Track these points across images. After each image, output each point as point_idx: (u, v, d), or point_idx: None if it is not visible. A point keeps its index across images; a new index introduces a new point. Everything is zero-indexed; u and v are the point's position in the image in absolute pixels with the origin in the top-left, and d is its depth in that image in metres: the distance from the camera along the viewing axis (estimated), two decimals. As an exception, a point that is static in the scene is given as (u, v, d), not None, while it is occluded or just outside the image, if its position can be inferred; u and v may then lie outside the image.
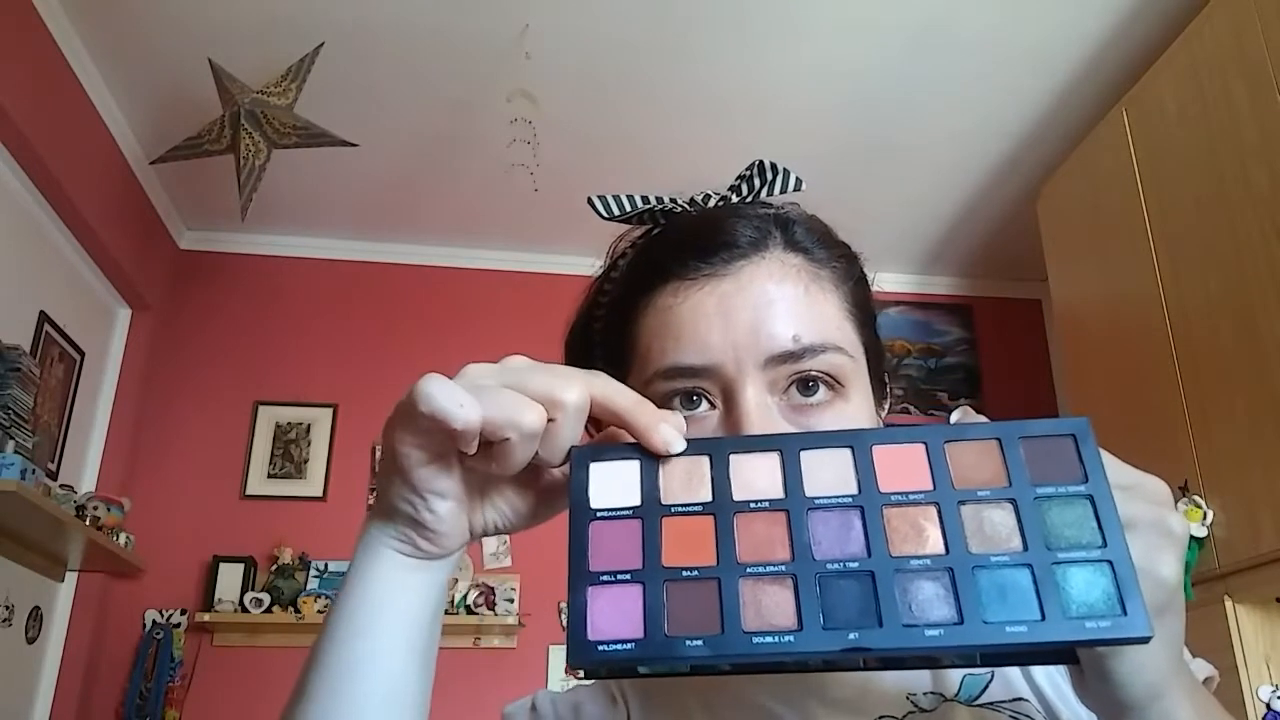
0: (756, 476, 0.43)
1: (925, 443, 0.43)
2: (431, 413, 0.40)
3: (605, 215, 0.61)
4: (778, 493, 0.43)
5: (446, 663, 2.80)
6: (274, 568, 2.94)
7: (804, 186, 0.60)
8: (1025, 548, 0.40)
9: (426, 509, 0.44)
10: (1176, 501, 2.06)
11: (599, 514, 0.43)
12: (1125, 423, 2.36)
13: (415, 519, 0.45)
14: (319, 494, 3.09)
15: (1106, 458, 0.43)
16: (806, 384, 0.54)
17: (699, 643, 0.39)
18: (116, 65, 2.57)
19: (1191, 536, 2.01)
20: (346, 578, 0.46)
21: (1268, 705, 1.86)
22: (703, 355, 0.54)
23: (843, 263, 0.60)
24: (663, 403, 0.54)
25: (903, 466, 0.43)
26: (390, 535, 0.45)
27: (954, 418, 0.48)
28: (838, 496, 0.42)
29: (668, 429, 0.44)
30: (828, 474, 0.43)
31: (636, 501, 0.43)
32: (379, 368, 3.22)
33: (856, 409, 0.56)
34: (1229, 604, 1.97)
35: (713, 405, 0.55)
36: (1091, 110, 2.69)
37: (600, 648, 0.39)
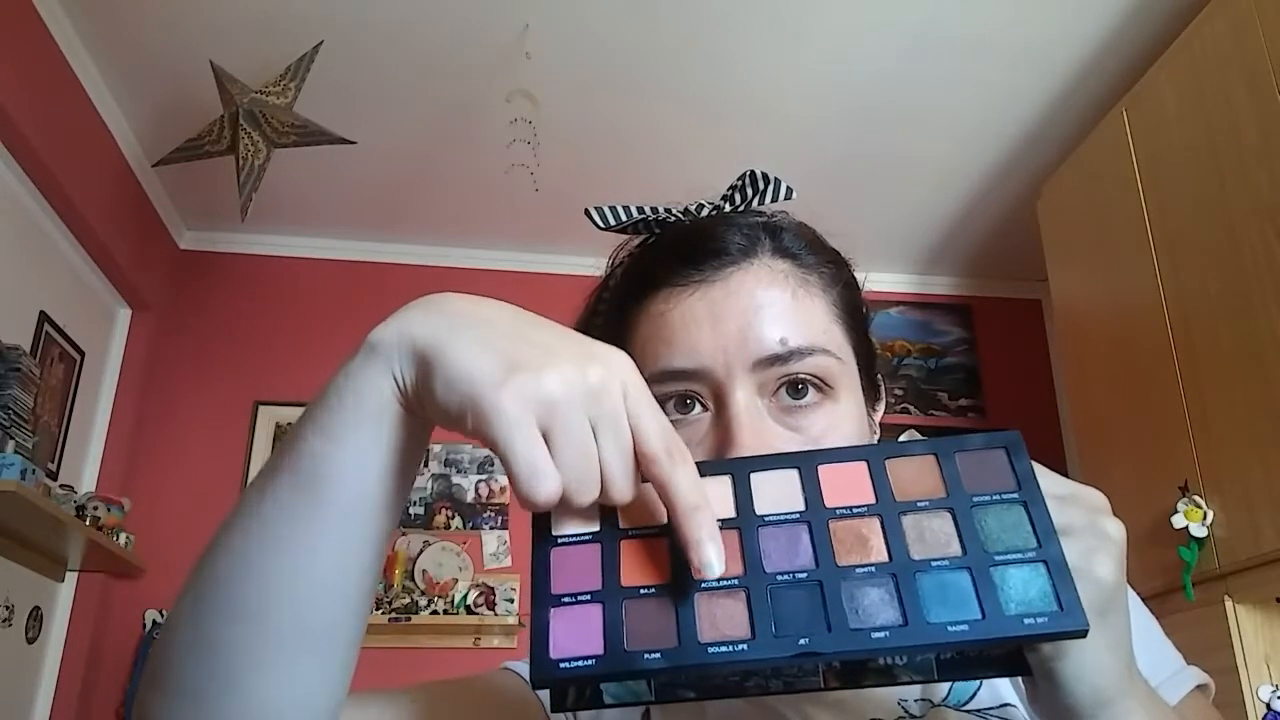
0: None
1: (867, 460, 0.45)
2: (516, 478, 0.37)
3: (602, 225, 0.62)
4: (729, 512, 0.44)
5: (447, 662, 2.81)
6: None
7: (795, 195, 0.62)
8: (964, 552, 0.42)
9: (438, 418, 0.42)
10: (1176, 501, 2.06)
11: (560, 540, 0.44)
12: (1125, 423, 2.36)
13: (423, 405, 0.42)
14: (319, 494, 3.09)
15: (1043, 471, 0.45)
16: (795, 386, 0.56)
17: (657, 655, 0.40)
18: (116, 65, 2.57)
19: (1191, 536, 2.01)
20: (331, 388, 0.43)
21: (1268, 705, 1.86)
22: (693, 359, 0.55)
23: (831, 268, 0.61)
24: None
25: (847, 483, 0.45)
26: (391, 385, 0.42)
27: (902, 439, 0.50)
28: (786, 513, 0.44)
29: (711, 551, 0.40)
30: (777, 493, 0.45)
31: (596, 526, 0.44)
32: (379, 368, 3.22)
33: (846, 410, 0.57)
34: (1229, 604, 1.96)
35: (705, 408, 0.56)
36: (1091, 110, 2.69)
37: (562, 665, 0.40)
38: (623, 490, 0.41)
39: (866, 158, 2.96)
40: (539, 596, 0.42)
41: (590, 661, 0.40)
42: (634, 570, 0.43)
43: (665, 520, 0.43)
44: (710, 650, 0.40)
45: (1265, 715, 1.86)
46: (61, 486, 2.65)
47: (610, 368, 0.40)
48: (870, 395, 0.62)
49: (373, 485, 0.43)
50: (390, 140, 2.85)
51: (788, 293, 0.57)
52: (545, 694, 0.62)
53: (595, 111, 2.74)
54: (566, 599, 0.42)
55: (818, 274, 0.60)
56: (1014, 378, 3.58)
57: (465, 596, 2.97)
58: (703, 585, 0.42)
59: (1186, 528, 2.02)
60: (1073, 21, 2.43)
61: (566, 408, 0.38)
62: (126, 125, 2.80)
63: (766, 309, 0.56)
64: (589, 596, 0.42)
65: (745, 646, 0.40)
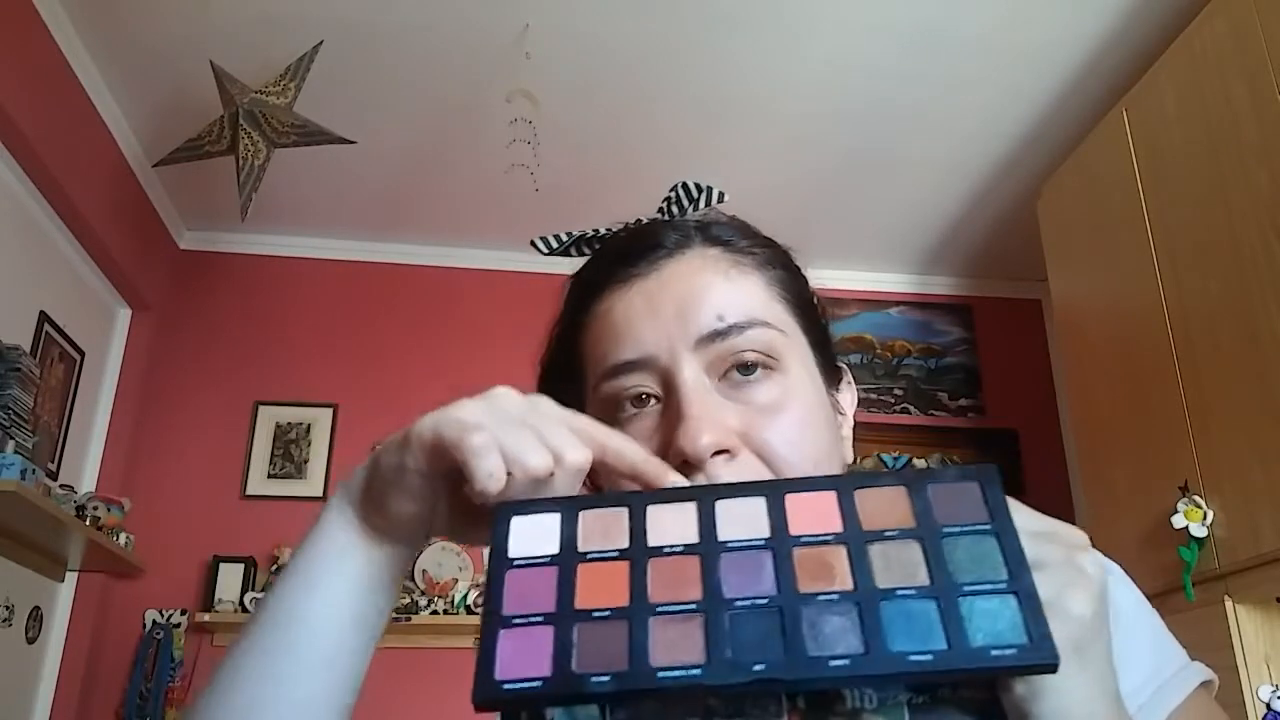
0: (673, 524, 0.44)
1: (836, 490, 0.44)
2: (456, 447, 0.44)
3: (545, 251, 0.66)
4: (693, 538, 0.44)
5: (446, 662, 2.80)
6: (274, 568, 2.94)
7: (725, 198, 0.64)
8: (931, 581, 0.40)
9: (396, 503, 0.48)
10: (1176, 501, 2.06)
11: (515, 563, 0.44)
12: (1125, 423, 2.36)
13: (382, 505, 0.48)
14: (319, 494, 3.08)
15: (1021, 507, 0.44)
16: (744, 367, 0.57)
17: (606, 678, 0.39)
18: (116, 65, 2.57)
19: (1191, 536, 2.01)
20: (306, 536, 0.50)
21: (1268, 705, 1.86)
22: (637, 349, 0.57)
23: (765, 251, 0.63)
24: (614, 406, 0.57)
25: (814, 512, 0.44)
26: (353, 505, 0.50)
27: (868, 465, 0.50)
28: (750, 540, 0.43)
29: (676, 476, 0.48)
30: (741, 520, 0.44)
31: (555, 550, 0.44)
32: (379, 368, 3.22)
33: (797, 380, 0.58)
34: (1229, 604, 1.96)
35: (658, 400, 0.57)
36: (1091, 110, 2.69)
37: (506, 686, 0.40)
38: (576, 451, 0.46)
39: (866, 158, 2.96)
40: (489, 618, 0.42)
41: (536, 683, 0.39)
42: (590, 593, 0.42)
43: (625, 543, 0.44)
44: (660, 675, 0.38)
45: (1265, 715, 1.86)
46: (61, 486, 2.65)
47: (513, 393, 0.48)
48: (830, 376, 0.63)
49: (334, 626, 0.48)
50: (391, 140, 2.85)
51: (720, 275, 0.59)
52: None
53: (595, 111, 2.74)
54: (518, 620, 0.42)
55: (750, 256, 0.62)
56: (1014, 378, 3.58)
57: (465, 596, 2.97)
58: (659, 609, 0.41)
59: (1186, 528, 2.02)
60: (1073, 21, 2.44)
61: (483, 415, 0.45)
62: (126, 125, 2.80)
63: (701, 291, 0.58)
64: (541, 618, 0.41)
65: (698, 671, 0.38)
